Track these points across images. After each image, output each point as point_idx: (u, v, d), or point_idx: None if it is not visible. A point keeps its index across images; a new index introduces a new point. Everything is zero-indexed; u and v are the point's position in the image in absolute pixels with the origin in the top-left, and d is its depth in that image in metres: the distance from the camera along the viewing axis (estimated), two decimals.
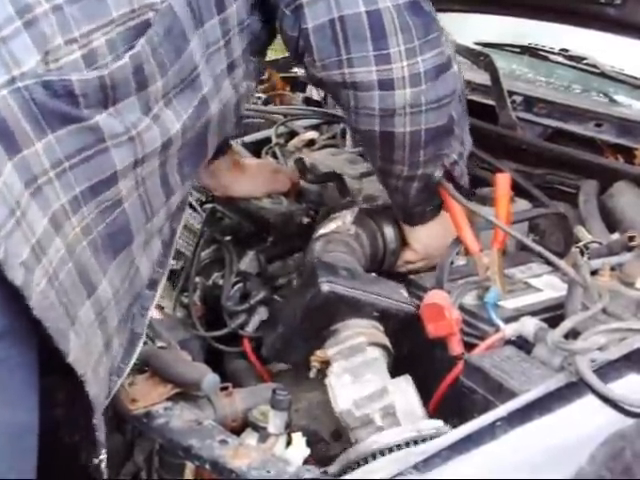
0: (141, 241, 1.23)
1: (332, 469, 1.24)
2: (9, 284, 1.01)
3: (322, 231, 1.63)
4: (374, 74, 1.31)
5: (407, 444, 1.21)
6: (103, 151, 1.11)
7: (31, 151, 1.04)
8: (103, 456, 1.22)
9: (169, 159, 1.22)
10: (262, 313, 1.66)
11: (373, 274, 1.58)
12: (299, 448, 1.32)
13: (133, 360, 1.33)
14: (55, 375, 1.16)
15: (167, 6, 1.16)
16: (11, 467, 1.12)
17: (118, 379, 1.29)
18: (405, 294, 1.48)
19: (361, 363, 1.37)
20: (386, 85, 1.32)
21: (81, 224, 1.11)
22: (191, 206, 1.85)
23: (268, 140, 2.11)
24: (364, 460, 1.21)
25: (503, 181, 1.62)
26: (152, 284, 1.35)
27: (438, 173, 1.49)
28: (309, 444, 1.33)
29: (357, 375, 1.36)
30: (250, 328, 1.65)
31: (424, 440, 1.20)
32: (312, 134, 2.10)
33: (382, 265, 1.67)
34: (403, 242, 1.65)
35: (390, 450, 1.21)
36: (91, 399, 1.16)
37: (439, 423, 1.26)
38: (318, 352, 1.40)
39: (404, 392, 1.35)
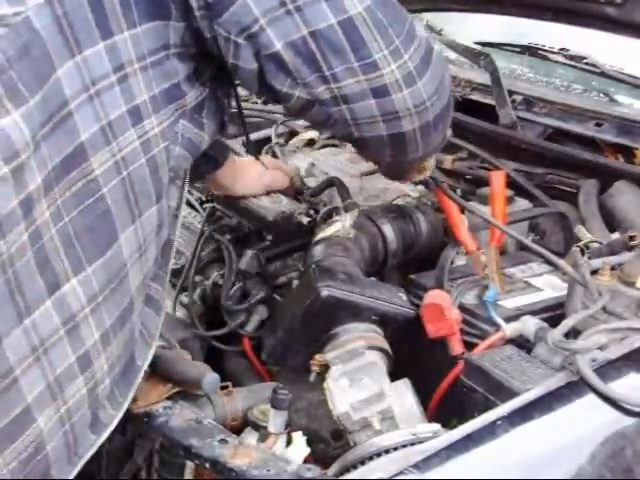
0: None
1: (330, 471, 1.24)
2: None
3: (322, 235, 1.62)
4: (364, 83, 1.20)
5: (404, 447, 1.20)
6: None
7: None
8: None
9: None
10: (262, 312, 1.66)
11: (373, 278, 1.57)
12: (299, 447, 1.31)
13: (132, 394, 1.26)
14: None
15: (23, 21, 1.00)
16: None
17: (116, 413, 1.23)
18: (404, 298, 1.47)
19: (359, 367, 1.36)
20: (380, 92, 1.21)
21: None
22: (191, 206, 1.85)
23: (268, 139, 2.10)
24: (361, 463, 1.21)
25: (498, 179, 1.62)
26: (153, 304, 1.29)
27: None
28: (309, 443, 1.33)
29: (355, 379, 1.35)
30: (250, 327, 1.64)
31: (421, 444, 1.19)
32: (312, 133, 2.09)
33: (384, 267, 1.66)
34: None
35: (387, 453, 1.20)
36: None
37: (437, 427, 1.25)
38: (317, 356, 1.40)
39: (402, 396, 1.35)
